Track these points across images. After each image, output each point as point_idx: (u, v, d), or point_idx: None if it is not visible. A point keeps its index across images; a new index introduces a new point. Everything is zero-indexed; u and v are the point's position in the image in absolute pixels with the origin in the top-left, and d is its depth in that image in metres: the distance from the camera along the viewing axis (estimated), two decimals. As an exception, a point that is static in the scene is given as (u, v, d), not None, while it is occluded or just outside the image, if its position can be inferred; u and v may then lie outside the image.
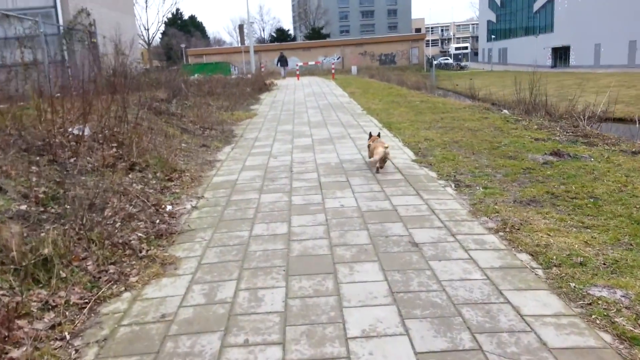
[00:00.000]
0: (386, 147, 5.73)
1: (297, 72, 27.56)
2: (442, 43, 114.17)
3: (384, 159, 5.73)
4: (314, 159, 6.68)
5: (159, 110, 9.65)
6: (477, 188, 4.96)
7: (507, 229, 3.78)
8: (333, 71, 26.65)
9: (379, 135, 6.33)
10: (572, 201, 4.41)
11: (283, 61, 33.80)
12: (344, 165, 6.23)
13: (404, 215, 4.21)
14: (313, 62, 42.17)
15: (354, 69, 51.80)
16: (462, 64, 73.11)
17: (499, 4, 73.40)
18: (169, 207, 4.63)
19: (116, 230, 3.77)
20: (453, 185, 5.16)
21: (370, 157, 5.98)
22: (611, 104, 10.32)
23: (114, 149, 5.75)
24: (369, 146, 6.18)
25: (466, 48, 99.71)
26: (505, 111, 10.60)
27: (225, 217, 4.41)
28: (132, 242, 3.65)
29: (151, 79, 16.45)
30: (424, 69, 63.14)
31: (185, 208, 4.72)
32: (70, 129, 5.69)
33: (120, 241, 3.60)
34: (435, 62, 66.83)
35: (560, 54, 58.53)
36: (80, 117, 6.13)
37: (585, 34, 50.85)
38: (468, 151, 6.70)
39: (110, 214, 4.05)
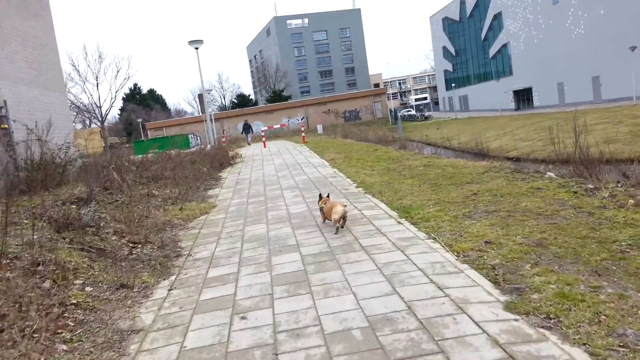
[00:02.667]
0: (344, 206, 5.95)
1: (263, 139, 24.87)
2: (401, 95, 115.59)
3: (344, 217, 5.88)
4: (317, 316, 3.56)
5: (66, 222, 6.51)
6: None
7: None
8: (303, 134, 24.03)
9: (328, 196, 6.61)
10: None
11: (247, 128, 34.68)
12: (379, 333, 3.18)
13: None
14: (278, 125, 39.85)
15: (319, 127, 49.90)
16: (426, 114, 72.79)
17: (453, 53, 74.53)
18: None
19: None
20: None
21: (325, 220, 6.35)
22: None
23: None
24: (321, 209, 6.39)
25: (426, 98, 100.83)
26: (550, 174, 7.90)
27: None
28: None
29: (78, 168, 13.34)
30: (389, 122, 62.22)
31: None
32: None
33: None
34: (399, 114, 66.18)
35: (522, 96, 58.63)
36: None
37: (546, 74, 50.96)
38: (580, 266, 3.81)
39: None
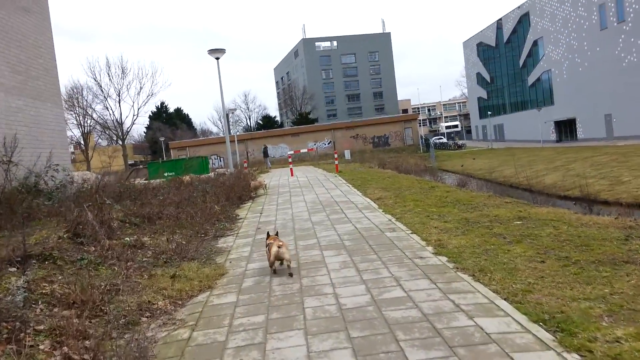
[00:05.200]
0: (280, 246, 5.64)
1: (290, 166, 21.99)
2: (430, 122, 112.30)
3: (279, 258, 5.63)
4: None
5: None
6: None
7: None
8: (337, 162, 21.09)
9: (277, 234, 6.34)
10: None
11: (266, 152, 35.78)
12: None
13: None
14: (305, 150, 37.15)
15: (347, 153, 47.10)
16: (459, 142, 69.29)
17: (488, 80, 71.43)
18: None
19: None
20: None
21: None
22: None
23: None
24: (267, 245, 5.97)
25: (457, 126, 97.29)
26: None
27: None
28: None
29: (69, 196, 10.64)
30: (420, 150, 59.10)
31: None
32: None
33: None
34: (431, 142, 63.02)
35: (565, 128, 54.91)
36: None
37: (592, 105, 47.30)
38: None
39: None
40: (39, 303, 4.71)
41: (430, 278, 5.01)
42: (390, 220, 8.42)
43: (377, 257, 5.99)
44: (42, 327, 4.20)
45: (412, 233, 7.21)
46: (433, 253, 5.99)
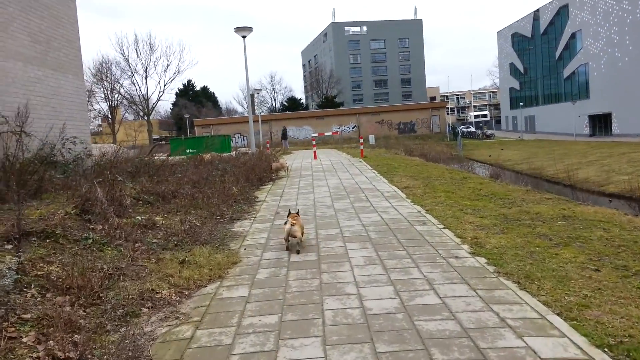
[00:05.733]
0: (293, 224, 5.85)
1: (314, 149, 21.36)
2: (458, 111, 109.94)
3: (293, 236, 5.85)
4: None
5: None
6: None
7: None
8: (362, 147, 20.39)
9: (298, 213, 6.40)
10: None
11: (284, 135, 35.65)
12: None
13: None
14: (329, 133, 36.45)
15: (371, 138, 46.25)
16: (488, 132, 67.51)
17: (521, 70, 69.26)
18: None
19: None
20: None
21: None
22: None
23: None
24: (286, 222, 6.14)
25: (486, 115, 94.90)
26: None
27: None
28: None
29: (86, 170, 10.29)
30: (447, 138, 57.79)
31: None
32: None
33: None
34: (458, 130, 61.43)
35: (599, 122, 52.89)
36: None
37: (630, 100, 45.34)
38: None
39: None
40: (32, 287, 4.27)
41: (469, 283, 4.40)
42: (419, 212, 7.79)
43: (407, 254, 5.39)
44: (29, 315, 3.75)
45: (444, 228, 6.57)
46: (470, 253, 5.36)
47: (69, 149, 11.33)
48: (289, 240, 5.94)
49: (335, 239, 6.32)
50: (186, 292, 4.67)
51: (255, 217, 8.12)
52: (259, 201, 9.78)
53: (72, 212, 6.71)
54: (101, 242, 5.81)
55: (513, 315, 3.68)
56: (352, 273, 4.85)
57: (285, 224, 6.09)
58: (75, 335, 3.56)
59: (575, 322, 3.54)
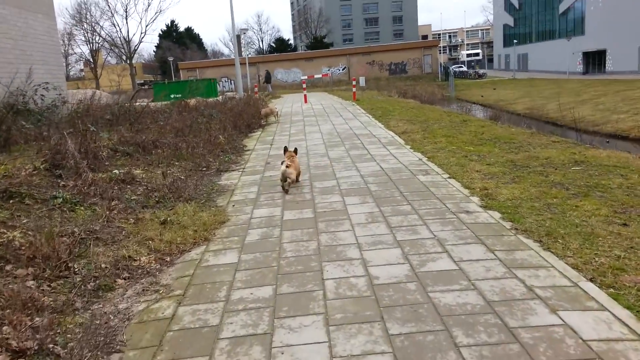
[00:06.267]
0: (288, 166, 5.87)
1: (304, 92, 20.46)
2: (450, 50, 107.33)
3: (287, 177, 5.84)
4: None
5: None
6: None
7: None
8: (354, 89, 19.52)
9: (295, 151, 6.33)
10: None
11: (268, 78, 34.54)
12: None
13: None
14: (319, 75, 35.24)
15: (362, 80, 45.08)
16: (480, 72, 66.12)
17: (516, 6, 66.99)
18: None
19: None
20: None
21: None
22: None
23: None
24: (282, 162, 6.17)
25: (478, 54, 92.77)
26: None
27: None
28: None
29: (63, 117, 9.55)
30: (439, 78, 56.55)
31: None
32: None
33: None
34: (450, 70, 60.06)
35: (593, 59, 51.77)
36: None
37: (626, 37, 44.14)
38: None
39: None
40: (-12, 260, 3.73)
41: (485, 243, 3.92)
42: (420, 159, 7.24)
43: (412, 209, 4.88)
44: (-18, 294, 3.22)
45: (450, 178, 6.05)
46: (481, 206, 4.86)
47: (41, 95, 10.53)
48: (285, 181, 5.88)
49: (332, 192, 5.78)
50: (168, 259, 4.15)
51: (244, 168, 7.53)
52: (248, 150, 9.16)
53: (41, 167, 6.08)
54: (72, 201, 5.23)
55: (541, 283, 3.21)
56: (353, 233, 4.35)
57: (281, 163, 6.11)
58: (37, 318, 3.06)
59: (612, 290, 3.08)
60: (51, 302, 3.33)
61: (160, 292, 3.56)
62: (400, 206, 5.01)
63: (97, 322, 3.19)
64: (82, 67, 68.05)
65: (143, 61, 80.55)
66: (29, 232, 4.24)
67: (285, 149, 6.35)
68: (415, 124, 10.75)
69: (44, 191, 5.33)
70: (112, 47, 61.08)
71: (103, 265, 3.95)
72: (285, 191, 5.85)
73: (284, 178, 5.86)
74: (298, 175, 6.28)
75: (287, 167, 5.87)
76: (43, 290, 3.49)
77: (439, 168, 6.57)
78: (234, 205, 5.54)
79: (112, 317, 3.24)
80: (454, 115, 12.40)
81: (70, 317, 3.20)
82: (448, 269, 3.49)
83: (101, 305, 3.40)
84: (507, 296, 3.06)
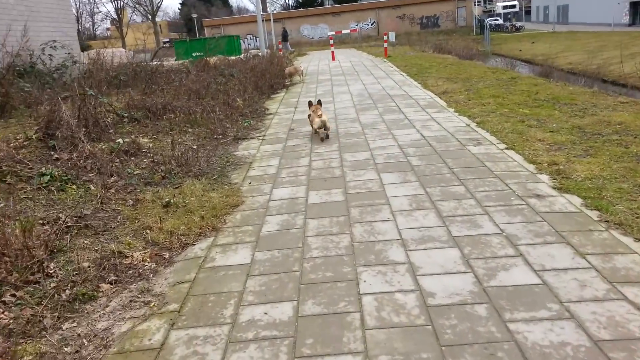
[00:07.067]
0: (320, 115, 6.01)
1: (332, 48, 19.16)
2: (485, 2, 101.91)
3: (322, 127, 5.99)
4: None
5: None
6: None
7: None
8: (386, 45, 18.19)
9: (319, 102, 6.40)
10: None
11: (285, 35, 32.16)
12: None
13: None
14: (347, 31, 33.59)
15: (392, 35, 43.09)
16: (517, 24, 62.59)
17: (558, -48, 62.45)
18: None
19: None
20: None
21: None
22: None
23: None
24: (309, 116, 6.33)
25: (515, 6, 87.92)
26: None
27: None
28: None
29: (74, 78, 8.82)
30: (473, 32, 53.74)
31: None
32: None
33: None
34: (486, 23, 56.92)
35: (640, 10, 48.10)
36: None
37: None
38: None
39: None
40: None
41: (570, 242, 2.99)
42: (468, 125, 6.22)
43: (467, 191, 3.96)
44: None
45: (507, 148, 5.05)
46: (554, 188, 3.90)
47: (49, 55, 9.80)
48: (324, 131, 6.03)
49: (365, 167, 4.87)
50: (166, 255, 3.38)
51: (264, 136, 6.66)
52: (270, 114, 8.26)
53: (33, 136, 5.35)
54: (63, 178, 4.48)
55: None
56: (394, 224, 3.47)
57: (308, 116, 6.27)
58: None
59: None
60: (10, 322, 2.61)
61: (152, 305, 2.80)
62: (451, 187, 4.09)
63: (66, 350, 2.46)
64: (109, 26, 67.36)
65: (168, 19, 79.37)
66: (2, 220, 3.51)
67: (310, 103, 6.51)
68: (457, 82, 9.60)
69: (31, 167, 4.59)
70: (136, 5, 59.95)
71: (86, 265, 3.20)
72: (326, 137, 6.04)
73: (324, 126, 6.02)
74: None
75: (319, 116, 6.08)
76: (4, 302, 2.77)
77: (493, 136, 5.56)
78: (250, 183, 4.71)
79: (85, 343, 2.50)
80: (499, 72, 11.13)
81: (32, 344, 2.47)
82: (528, 284, 2.60)
83: (75, 324, 2.66)
84: (619, 332, 2.16)
